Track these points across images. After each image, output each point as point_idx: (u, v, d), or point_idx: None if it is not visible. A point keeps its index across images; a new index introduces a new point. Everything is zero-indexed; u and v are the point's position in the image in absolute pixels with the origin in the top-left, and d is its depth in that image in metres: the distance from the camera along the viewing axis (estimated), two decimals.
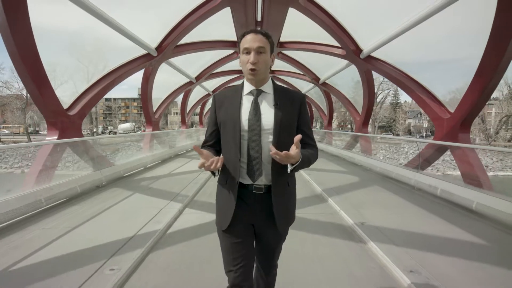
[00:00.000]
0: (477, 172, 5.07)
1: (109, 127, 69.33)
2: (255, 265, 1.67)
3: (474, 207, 4.39)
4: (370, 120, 56.03)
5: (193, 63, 11.50)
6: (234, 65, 13.12)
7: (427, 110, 6.83)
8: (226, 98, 1.54)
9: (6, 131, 55.22)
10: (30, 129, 51.86)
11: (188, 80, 12.71)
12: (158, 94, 11.73)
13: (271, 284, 1.74)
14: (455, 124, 5.73)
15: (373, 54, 7.84)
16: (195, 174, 7.18)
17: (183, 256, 3.02)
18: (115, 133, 57.25)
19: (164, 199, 4.97)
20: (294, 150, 1.29)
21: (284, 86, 1.66)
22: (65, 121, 5.74)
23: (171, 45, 7.59)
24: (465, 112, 5.46)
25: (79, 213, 4.29)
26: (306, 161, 1.43)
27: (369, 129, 55.49)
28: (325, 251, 3.19)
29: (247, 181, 1.48)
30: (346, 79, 13.69)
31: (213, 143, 1.59)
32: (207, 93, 19.31)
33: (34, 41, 4.52)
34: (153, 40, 7.57)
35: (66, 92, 6.13)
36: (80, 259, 2.82)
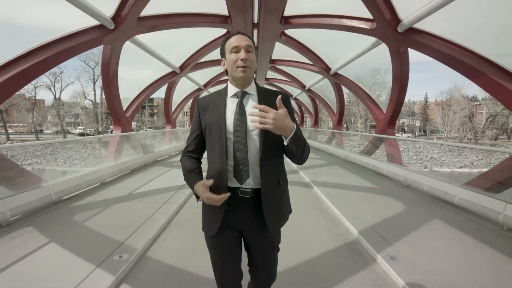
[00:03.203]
0: (394, 154, 7.88)
1: (111, 126, 71.28)
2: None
3: (384, 173, 7.23)
4: (362, 120, 57.96)
5: (203, 73, 14.28)
6: None
7: (371, 111, 9.65)
8: (211, 102, 1.52)
9: (11, 130, 56.69)
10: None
11: (197, 87, 15.51)
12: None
13: None
14: (385, 122, 8.57)
15: (339, 71, 10.65)
16: None
17: None
18: None
19: None
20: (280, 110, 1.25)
21: (267, 87, 1.61)
22: (124, 120, 8.53)
23: (190, 65, 10.37)
24: (390, 114, 8.28)
25: (144, 176, 7.09)
26: (301, 137, 1.35)
27: (362, 128, 57.88)
28: (291, 193, 5.97)
29: (234, 184, 1.45)
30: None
31: (195, 149, 1.59)
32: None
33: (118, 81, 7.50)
34: (178, 60, 10.37)
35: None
36: (162, 191, 5.62)
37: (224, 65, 1.50)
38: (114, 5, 5.63)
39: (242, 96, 1.46)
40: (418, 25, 5.65)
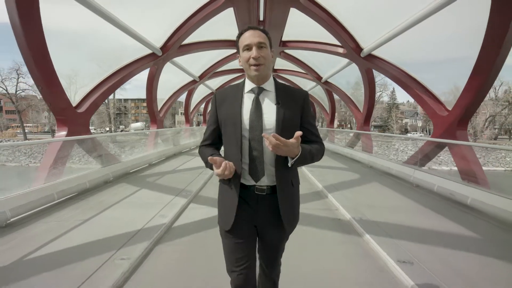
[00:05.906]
0: (368, 145, 10.20)
1: (120, 127, 73.80)
2: (258, 263, 1.64)
3: (357, 159, 9.58)
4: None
5: (216, 79, 16.73)
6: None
7: (353, 111, 12.00)
8: (227, 96, 1.51)
9: (25, 130, 59.41)
10: (47, 129, 56.13)
11: (210, 91, 18.00)
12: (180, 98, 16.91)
13: (275, 281, 1.70)
14: (362, 120, 10.91)
15: (329, 80, 13.01)
16: None
17: None
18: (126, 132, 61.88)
19: None
20: (292, 140, 1.27)
21: (286, 84, 1.61)
22: (159, 119, 11.02)
23: (208, 75, 12.85)
24: (365, 114, 10.62)
25: (178, 161, 9.57)
26: (308, 156, 1.40)
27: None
28: None
29: (249, 182, 1.46)
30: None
31: (212, 142, 1.58)
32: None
33: (157, 91, 9.93)
34: (198, 71, 12.83)
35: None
36: (196, 168, 8.06)
37: (240, 61, 1.49)
38: (162, 38, 8.10)
39: (258, 92, 1.45)
40: (375, 52, 7.99)
